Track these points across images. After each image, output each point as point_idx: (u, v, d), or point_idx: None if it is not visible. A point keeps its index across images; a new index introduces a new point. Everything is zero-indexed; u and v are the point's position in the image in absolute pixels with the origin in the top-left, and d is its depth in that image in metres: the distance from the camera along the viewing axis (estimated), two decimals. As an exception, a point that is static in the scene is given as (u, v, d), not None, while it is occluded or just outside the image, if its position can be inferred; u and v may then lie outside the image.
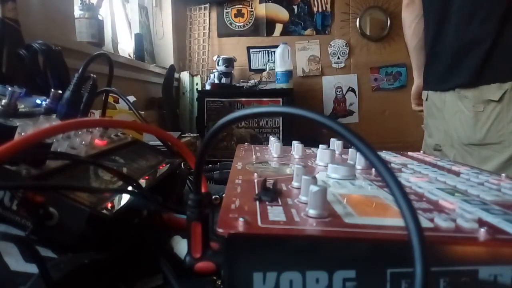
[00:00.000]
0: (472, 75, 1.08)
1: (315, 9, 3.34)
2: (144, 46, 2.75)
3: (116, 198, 0.37)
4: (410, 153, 0.62)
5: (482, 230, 0.23)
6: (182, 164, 0.60)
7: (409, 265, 0.17)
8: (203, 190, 0.26)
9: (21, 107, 0.49)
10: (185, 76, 3.07)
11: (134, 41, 2.69)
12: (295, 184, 0.33)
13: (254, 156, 0.52)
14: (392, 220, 0.25)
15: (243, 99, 2.80)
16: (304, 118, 0.21)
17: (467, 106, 1.09)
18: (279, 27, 3.40)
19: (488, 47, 1.06)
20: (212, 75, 3.05)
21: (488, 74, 1.06)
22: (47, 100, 0.54)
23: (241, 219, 0.23)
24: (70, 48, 1.51)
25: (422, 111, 1.38)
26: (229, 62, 2.99)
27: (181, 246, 0.35)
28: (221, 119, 0.23)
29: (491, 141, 1.04)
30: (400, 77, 3.29)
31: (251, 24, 3.41)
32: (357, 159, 0.46)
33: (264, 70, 3.34)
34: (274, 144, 0.55)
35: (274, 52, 3.11)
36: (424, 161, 0.54)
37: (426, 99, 1.32)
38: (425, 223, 0.25)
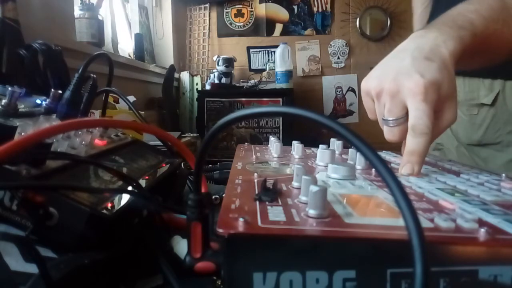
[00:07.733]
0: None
1: (315, 9, 3.34)
2: (144, 46, 2.75)
3: (116, 198, 0.37)
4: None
5: (482, 230, 0.23)
6: (182, 164, 0.60)
7: (409, 265, 0.17)
8: (203, 190, 0.26)
9: (21, 107, 0.49)
10: (185, 76, 3.07)
11: (134, 41, 2.69)
12: (295, 184, 0.33)
13: (254, 156, 0.52)
14: (392, 220, 0.25)
15: (243, 99, 2.80)
16: (304, 118, 0.21)
17: (462, 110, 1.09)
18: (279, 27, 3.40)
19: None
20: (212, 75, 3.05)
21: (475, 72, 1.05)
22: (47, 100, 0.54)
23: (241, 219, 0.23)
24: (70, 48, 1.52)
25: None
26: (229, 62, 2.99)
27: (181, 246, 0.35)
28: (221, 119, 0.23)
29: (490, 142, 1.04)
30: (400, 77, 3.29)
31: (251, 24, 3.41)
32: (357, 159, 0.46)
33: (264, 70, 3.34)
34: (274, 144, 0.55)
35: (274, 52, 3.11)
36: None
37: None
38: (425, 223, 0.25)
